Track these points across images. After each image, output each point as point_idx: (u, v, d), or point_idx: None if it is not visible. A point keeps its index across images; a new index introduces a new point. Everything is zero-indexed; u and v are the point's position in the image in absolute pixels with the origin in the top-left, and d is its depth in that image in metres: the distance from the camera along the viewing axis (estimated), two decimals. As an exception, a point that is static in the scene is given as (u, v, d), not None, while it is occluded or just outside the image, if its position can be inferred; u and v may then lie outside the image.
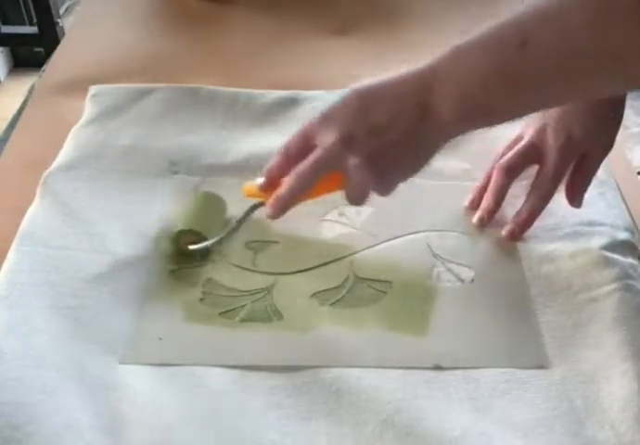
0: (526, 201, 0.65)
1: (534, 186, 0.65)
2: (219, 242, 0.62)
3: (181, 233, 0.62)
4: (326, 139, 0.54)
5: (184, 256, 0.62)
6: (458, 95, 0.52)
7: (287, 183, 0.56)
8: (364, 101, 0.54)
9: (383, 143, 0.54)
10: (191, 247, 0.62)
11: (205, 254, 0.63)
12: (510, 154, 0.67)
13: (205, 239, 0.62)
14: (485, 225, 0.66)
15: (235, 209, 0.64)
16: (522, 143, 0.67)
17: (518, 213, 0.65)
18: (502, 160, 0.67)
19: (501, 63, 0.50)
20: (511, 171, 0.67)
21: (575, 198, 0.66)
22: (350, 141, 0.54)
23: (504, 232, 0.65)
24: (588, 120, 0.65)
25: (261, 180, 0.58)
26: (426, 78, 0.53)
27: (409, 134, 0.54)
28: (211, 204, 0.66)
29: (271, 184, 0.57)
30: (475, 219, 0.67)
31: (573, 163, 0.66)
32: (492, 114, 0.53)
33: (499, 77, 0.51)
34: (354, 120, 0.54)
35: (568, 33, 0.48)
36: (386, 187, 0.57)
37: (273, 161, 0.58)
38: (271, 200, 0.56)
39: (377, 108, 0.54)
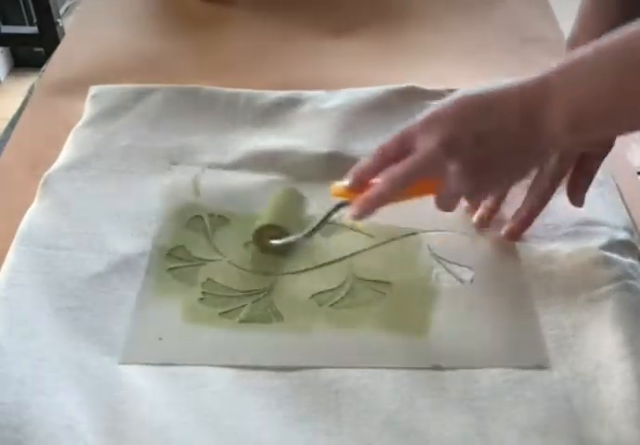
0: (525, 200, 0.65)
1: (534, 185, 0.65)
2: (301, 238, 0.61)
3: (263, 227, 0.62)
4: (427, 144, 0.53)
5: (264, 251, 0.63)
6: (573, 109, 0.51)
7: (378, 185, 0.55)
8: (471, 107, 0.54)
9: (486, 152, 0.53)
10: (273, 241, 0.62)
11: (286, 250, 0.63)
12: None
13: (287, 235, 0.62)
14: (486, 225, 0.66)
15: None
16: None
17: (517, 212, 0.65)
18: None
19: (630, 80, 0.49)
20: None
21: (576, 198, 0.66)
22: (452, 147, 0.53)
23: (503, 231, 0.65)
24: None
25: (348, 180, 0.57)
26: (538, 90, 0.52)
27: (515, 145, 0.53)
28: (293, 200, 0.66)
29: (360, 185, 0.56)
30: (475, 218, 0.66)
31: (574, 163, 0.66)
32: (611, 127, 0.53)
33: (625, 93, 0.49)
34: (459, 126, 0.53)
35: None
36: (480, 196, 0.57)
37: (365, 162, 0.57)
38: (359, 201, 0.56)
39: (484, 116, 0.53)
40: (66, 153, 0.72)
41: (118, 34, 0.93)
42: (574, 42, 0.67)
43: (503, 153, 0.53)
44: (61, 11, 1.87)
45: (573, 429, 0.51)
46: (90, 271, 0.60)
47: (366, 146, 0.73)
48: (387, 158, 0.56)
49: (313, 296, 0.60)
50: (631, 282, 0.59)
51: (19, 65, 2.14)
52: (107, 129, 0.75)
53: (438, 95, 0.80)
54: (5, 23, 1.94)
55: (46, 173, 0.69)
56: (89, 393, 0.52)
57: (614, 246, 0.62)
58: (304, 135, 0.74)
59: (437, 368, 0.55)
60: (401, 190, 0.55)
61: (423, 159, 0.54)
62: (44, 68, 0.91)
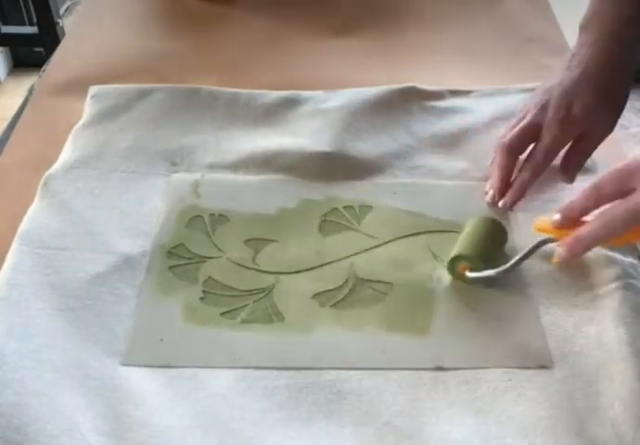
0: (519, 174, 0.67)
1: (529, 158, 0.67)
2: (500, 274, 0.58)
3: (458, 257, 0.60)
4: None
5: (458, 278, 0.60)
6: None
7: (592, 225, 0.52)
8: None
9: None
10: (469, 274, 0.59)
11: (482, 283, 0.60)
12: (512, 132, 0.68)
13: (481, 267, 0.59)
14: (496, 205, 0.67)
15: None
16: (524, 121, 0.69)
17: (512, 184, 0.67)
18: (503, 139, 0.69)
19: None
20: (513, 150, 0.68)
21: (568, 174, 0.67)
22: None
23: (500, 204, 0.67)
24: (590, 98, 0.66)
25: (557, 216, 0.55)
26: None
27: None
28: (493, 231, 0.63)
29: (569, 223, 0.54)
30: (488, 198, 0.68)
31: (570, 141, 0.67)
32: None
33: None
34: None
35: None
36: None
37: (576, 199, 0.54)
38: (570, 241, 0.53)
39: None
40: (66, 153, 0.72)
41: (118, 34, 0.93)
42: (587, 25, 0.68)
43: None
44: (61, 11, 1.87)
45: (575, 429, 0.51)
46: (91, 271, 0.60)
47: (366, 146, 0.73)
48: (602, 196, 0.53)
49: (314, 296, 0.60)
50: (631, 281, 0.59)
51: (19, 65, 2.14)
52: (107, 129, 0.75)
53: (438, 95, 0.80)
54: (5, 23, 1.94)
55: (47, 173, 0.69)
56: (90, 394, 0.52)
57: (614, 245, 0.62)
58: (304, 135, 0.74)
59: (438, 369, 0.55)
60: (620, 233, 0.52)
61: None
62: (44, 68, 0.91)
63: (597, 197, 0.54)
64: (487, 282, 0.60)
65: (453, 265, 0.60)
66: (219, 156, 0.72)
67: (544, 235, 0.57)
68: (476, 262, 0.59)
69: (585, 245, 0.53)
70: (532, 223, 0.59)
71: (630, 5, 0.66)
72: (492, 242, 0.62)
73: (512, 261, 0.59)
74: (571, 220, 0.54)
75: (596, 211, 0.54)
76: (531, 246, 0.58)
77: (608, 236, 0.53)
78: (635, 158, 0.52)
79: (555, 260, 0.56)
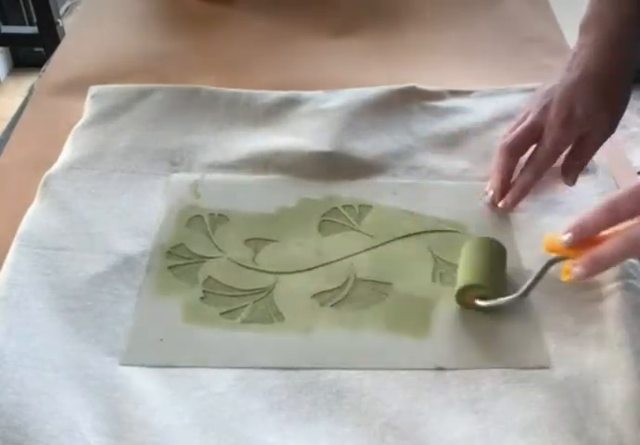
0: (520, 175, 0.67)
1: (530, 160, 0.67)
2: (513, 301, 0.57)
3: (468, 287, 0.58)
4: None
5: (467, 307, 0.59)
6: None
7: (614, 245, 0.51)
8: None
9: None
10: (480, 302, 0.58)
11: (492, 310, 0.58)
12: (513, 133, 0.68)
13: (491, 293, 0.58)
14: (495, 204, 0.67)
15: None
16: (525, 122, 0.68)
17: (512, 185, 0.67)
18: (504, 140, 0.69)
19: None
20: (514, 150, 0.68)
21: (569, 176, 0.68)
22: None
23: (500, 204, 0.67)
24: (591, 99, 0.66)
25: (568, 235, 0.54)
26: None
27: None
28: (496, 254, 0.61)
29: (582, 242, 0.53)
30: (487, 198, 0.68)
31: (572, 142, 0.67)
32: None
33: None
34: None
35: None
36: None
37: (590, 217, 0.53)
38: (586, 261, 0.52)
39: None
40: (66, 153, 0.72)
41: (118, 34, 0.93)
42: (587, 25, 0.68)
43: None
44: (61, 11, 1.87)
45: (575, 429, 0.51)
46: (90, 271, 0.60)
47: (366, 146, 0.73)
48: (618, 215, 0.52)
49: (314, 296, 0.60)
50: (631, 281, 0.59)
51: (19, 65, 2.14)
52: (107, 129, 0.75)
53: (438, 95, 0.80)
54: (5, 23, 1.94)
55: (46, 173, 0.69)
56: (90, 394, 0.52)
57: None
58: (304, 135, 0.74)
59: (438, 369, 0.55)
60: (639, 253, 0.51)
61: None
62: (44, 68, 0.91)
63: (613, 216, 0.52)
64: (497, 308, 0.58)
65: (462, 294, 0.58)
66: (219, 156, 0.72)
67: (555, 255, 0.56)
68: (488, 290, 0.58)
69: (605, 264, 0.52)
70: (541, 243, 0.57)
71: (629, 4, 0.66)
72: (497, 265, 0.61)
73: (524, 287, 0.57)
74: (584, 239, 0.53)
75: (611, 229, 0.53)
76: (541, 267, 0.57)
77: (629, 256, 0.52)
78: None
79: (567, 278, 0.54)
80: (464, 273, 0.59)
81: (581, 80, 0.66)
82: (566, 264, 0.55)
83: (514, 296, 0.57)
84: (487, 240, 0.62)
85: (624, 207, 0.52)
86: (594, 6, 0.68)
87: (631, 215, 0.52)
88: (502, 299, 0.57)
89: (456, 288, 0.58)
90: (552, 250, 0.56)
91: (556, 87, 0.67)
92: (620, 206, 0.52)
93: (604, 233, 0.54)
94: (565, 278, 0.55)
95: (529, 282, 0.57)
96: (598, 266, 0.52)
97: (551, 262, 0.57)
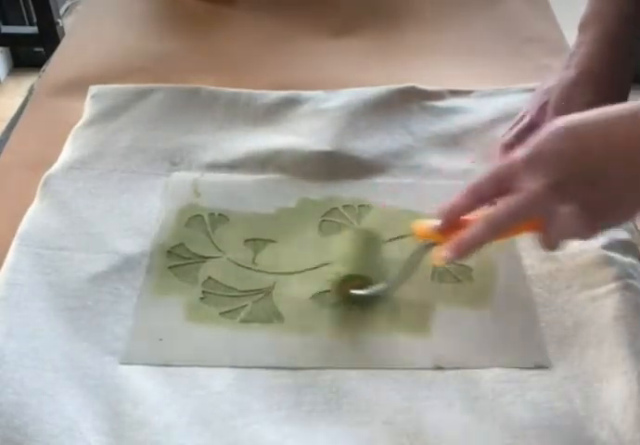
0: None
1: None
2: (387, 289, 0.57)
3: (346, 278, 0.58)
4: (532, 185, 0.50)
5: (346, 301, 0.58)
6: None
7: (475, 227, 0.52)
8: (578, 142, 0.49)
9: (602, 193, 0.49)
10: (355, 292, 0.58)
11: (370, 300, 0.58)
12: (511, 133, 0.68)
13: (369, 282, 0.57)
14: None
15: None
16: (523, 122, 0.69)
17: None
18: (504, 140, 0.69)
19: None
20: (513, 150, 0.67)
21: None
22: (562, 190, 0.49)
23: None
24: (589, 97, 0.66)
25: (437, 221, 0.54)
26: None
27: (630, 180, 0.49)
28: (371, 243, 0.61)
29: (451, 226, 0.53)
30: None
31: None
32: None
33: None
34: (567, 164, 0.49)
35: None
36: (594, 234, 0.53)
37: (455, 200, 0.53)
38: (452, 245, 0.52)
39: (594, 152, 0.49)
40: (66, 153, 0.72)
41: (118, 34, 0.93)
42: (585, 25, 0.68)
43: (623, 192, 0.49)
44: (61, 11, 1.87)
45: (574, 429, 0.51)
46: (90, 271, 0.60)
47: (366, 146, 0.73)
48: (480, 197, 0.53)
49: (313, 296, 0.60)
50: (631, 281, 0.59)
51: (19, 65, 2.14)
52: (107, 129, 0.75)
53: (438, 95, 0.80)
54: (5, 23, 1.94)
55: (46, 174, 0.69)
56: (90, 393, 0.52)
57: (615, 245, 0.62)
58: (304, 134, 0.74)
59: (437, 368, 0.55)
60: (502, 232, 0.52)
61: (529, 202, 0.50)
62: (44, 68, 0.91)
63: (475, 199, 0.53)
64: (373, 298, 0.58)
65: (339, 287, 0.58)
66: (219, 155, 0.72)
67: (426, 241, 0.56)
68: (364, 279, 0.57)
69: (470, 246, 0.52)
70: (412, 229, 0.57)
71: (628, 3, 0.66)
72: (372, 255, 0.60)
73: (398, 275, 0.56)
74: (452, 223, 0.54)
75: (478, 212, 0.54)
76: (413, 254, 0.56)
77: (492, 237, 0.52)
78: (512, 158, 0.52)
79: (437, 262, 0.54)
80: (337, 265, 0.59)
81: (579, 78, 0.66)
82: (436, 250, 0.55)
83: (384, 286, 0.57)
84: (361, 231, 0.62)
85: (486, 189, 0.53)
86: (592, 4, 0.68)
87: (492, 197, 0.53)
88: (374, 289, 0.57)
89: (333, 281, 0.58)
90: (422, 236, 0.56)
91: (554, 86, 0.67)
92: (482, 189, 0.53)
93: (471, 216, 0.54)
94: (436, 263, 0.55)
95: (401, 272, 0.56)
96: (463, 250, 0.52)
97: (424, 248, 0.56)
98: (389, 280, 0.57)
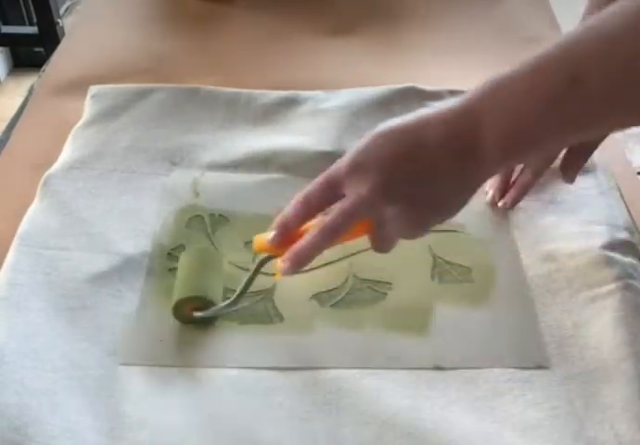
0: (519, 174, 0.67)
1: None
2: (227, 306, 0.56)
3: (182, 301, 0.57)
4: (358, 190, 0.51)
5: (189, 323, 0.57)
6: (505, 136, 0.48)
7: (311, 236, 0.52)
8: (396, 146, 0.51)
9: (423, 192, 0.51)
10: (197, 313, 0.57)
11: (213, 319, 0.58)
12: None
13: (210, 302, 0.57)
14: (495, 204, 0.68)
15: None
16: None
17: (512, 187, 0.67)
18: None
19: (552, 101, 0.47)
20: None
21: (568, 175, 0.67)
22: (386, 192, 0.51)
23: (500, 204, 0.67)
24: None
25: (272, 234, 0.54)
26: (464, 121, 0.49)
27: (451, 179, 0.51)
28: (209, 261, 0.60)
29: (286, 238, 0.54)
30: (488, 198, 0.68)
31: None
32: (541, 149, 0.52)
33: (550, 114, 0.48)
34: (388, 168, 0.51)
35: (620, 66, 0.45)
36: (419, 233, 0.54)
37: (287, 212, 0.54)
38: (291, 255, 0.53)
39: (415, 154, 0.50)
40: (66, 153, 0.72)
41: (118, 34, 0.93)
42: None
43: (441, 190, 0.51)
44: (61, 11, 1.87)
45: (574, 429, 0.51)
46: (90, 271, 0.60)
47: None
48: (312, 206, 0.54)
49: (313, 296, 0.60)
50: (631, 281, 0.59)
51: (19, 65, 2.14)
52: (107, 129, 0.75)
53: (437, 95, 0.80)
54: (5, 23, 1.94)
55: (46, 173, 0.69)
56: (90, 394, 0.52)
57: (615, 245, 0.62)
58: (304, 134, 0.74)
59: (438, 368, 0.55)
60: (337, 238, 0.53)
61: (356, 207, 0.51)
62: (44, 68, 0.91)
63: (308, 209, 0.54)
64: (216, 316, 0.57)
65: (179, 311, 0.57)
66: (219, 155, 0.72)
67: (265, 254, 0.56)
68: (203, 301, 0.56)
69: (306, 255, 0.53)
70: (255, 243, 0.56)
71: None
72: (210, 273, 0.59)
73: (237, 293, 0.56)
74: (288, 235, 0.54)
75: (313, 221, 0.54)
76: (251, 269, 0.56)
77: (328, 243, 0.53)
78: (339, 164, 0.53)
79: (278, 275, 0.54)
80: (177, 289, 0.58)
81: None
82: (277, 263, 0.55)
83: (224, 304, 0.56)
84: (198, 250, 0.62)
85: (316, 199, 0.53)
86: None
87: (322, 205, 0.53)
88: (213, 309, 0.56)
89: (171, 305, 0.57)
90: (261, 250, 0.56)
91: None
92: (312, 198, 0.53)
93: (305, 227, 0.54)
94: (277, 277, 0.55)
95: (240, 287, 0.56)
96: (300, 259, 0.53)
97: (262, 262, 0.56)
98: (228, 300, 0.57)
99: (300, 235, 0.53)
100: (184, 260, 0.60)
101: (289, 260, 0.53)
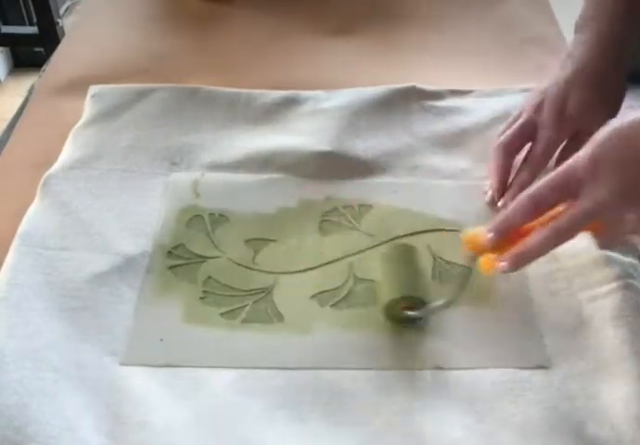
0: (517, 174, 0.67)
1: (526, 158, 0.67)
2: (443, 305, 0.56)
3: (397, 300, 0.56)
4: (598, 193, 0.50)
5: (398, 321, 0.57)
6: None
7: (541, 237, 0.52)
8: (634, 148, 0.50)
9: None
10: (410, 313, 0.56)
11: (424, 318, 0.57)
12: (508, 132, 0.69)
13: (421, 302, 0.56)
14: (495, 204, 0.67)
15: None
16: (519, 121, 0.69)
17: (509, 187, 0.67)
18: (500, 139, 0.69)
19: None
20: (509, 149, 0.68)
21: None
22: (629, 196, 0.50)
23: (499, 204, 0.67)
24: (584, 96, 0.67)
25: (491, 234, 0.53)
26: None
27: None
28: (412, 259, 0.60)
29: (505, 238, 0.53)
30: (487, 198, 0.68)
31: (565, 139, 0.67)
32: None
33: None
34: (631, 170, 0.50)
35: None
36: None
37: (512, 213, 0.53)
38: (513, 255, 0.52)
39: None
40: (66, 153, 0.72)
41: (118, 34, 0.93)
42: (582, 25, 0.68)
43: None
44: (61, 11, 1.87)
45: (574, 429, 0.51)
46: (91, 271, 0.60)
47: (367, 146, 0.73)
48: (541, 207, 0.53)
49: (313, 296, 0.60)
50: (631, 281, 0.59)
51: (19, 65, 2.14)
52: (107, 129, 0.75)
53: (438, 95, 0.80)
54: (5, 23, 1.94)
55: (47, 173, 0.69)
56: (90, 394, 0.52)
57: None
58: (305, 134, 0.74)
59: (438, 368, 0.55)
60: (567, 241, 0.52)
61: (596, 210, 0.51)
62: (44, 68, 0.91)
63: (537, 209, 0.53)
64: (425, 317, 0.57)
65: (390, 309, 0.57)
66: (219, 155, 0.72)
67: (475, 252, 0.55)
68: (416, 300, 0.56)
69: (532, 257, 0.52)
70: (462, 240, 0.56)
71: (622, 3, 0.67)
72: (417, 272, 0.59)
73: (453, 293, 0.56)
74: (507, 236, 0.53)
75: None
76: (464, 270, 0.56)
77: (555, 246, 0.52)
78: (574, 164, 0.52)
79: (491, 272, 0.54)
80: (391, 286, 0.58)
81: (574, 76, 0.67)
82: (484, 258, 0.54)
83: (444, 301, 0.56)
84: (398, 247, 0.61)
85: (545, 198, 0.53)
86: (588, 5, 0.69)
87: (551, 206, 0.53)
88: (428, 309, 0.56)
89: (382, 305, 0.57)
90: (475, 249, 0.55)
91: (550, 86, 0.68)
92: (541, 198, 0.53)
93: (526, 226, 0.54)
94: (486, 272, 0.55)
95: (455, 288, 0.56)
96: (525, 260, 0.53)
97: (474, 260, 0.56)
98: (444, 300, 0.56)
99: (519, 234, 0.53)
100: (387, 260, 0.60)
101: (512, 260, 0.53)
